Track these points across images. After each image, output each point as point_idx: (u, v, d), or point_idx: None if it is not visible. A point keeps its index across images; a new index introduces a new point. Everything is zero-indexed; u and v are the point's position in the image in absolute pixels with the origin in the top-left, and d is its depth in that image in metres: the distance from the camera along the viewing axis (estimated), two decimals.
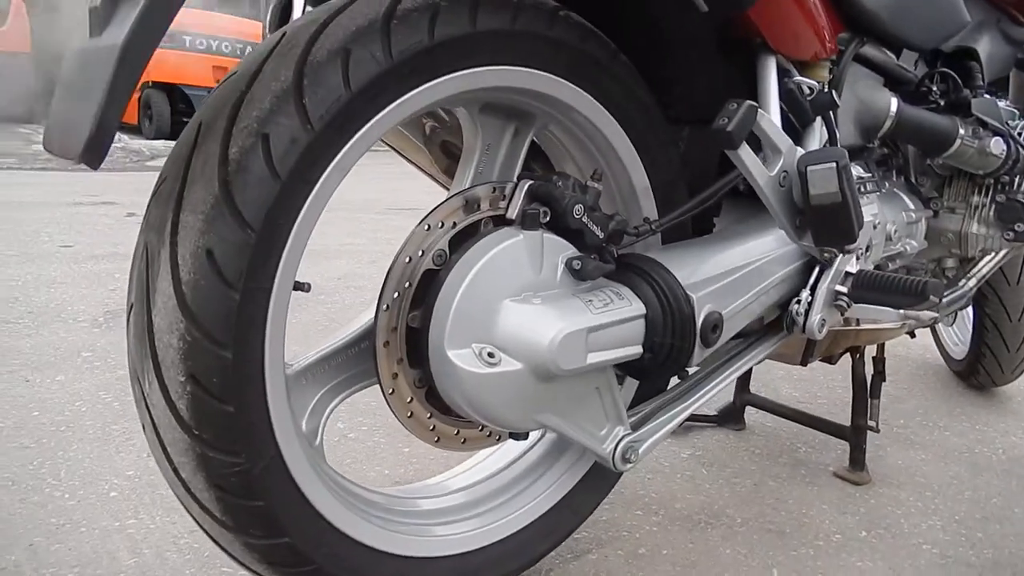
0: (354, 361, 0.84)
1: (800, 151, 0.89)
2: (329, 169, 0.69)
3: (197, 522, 0.73)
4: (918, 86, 1.24)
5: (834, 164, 0.82)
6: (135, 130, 8.30)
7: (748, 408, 1.65)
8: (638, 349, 0.86)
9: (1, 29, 7.69)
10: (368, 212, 4.15)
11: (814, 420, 1.52)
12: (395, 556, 0.82)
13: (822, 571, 1.15)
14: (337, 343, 0.83)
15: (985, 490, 1.45)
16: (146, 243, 0.67)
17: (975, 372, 1.94)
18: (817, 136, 1.02)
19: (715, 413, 1.65)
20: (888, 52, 1.19)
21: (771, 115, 0.91)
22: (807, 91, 0.99)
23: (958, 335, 2.06)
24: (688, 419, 1.59)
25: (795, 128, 1.02)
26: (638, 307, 0.85)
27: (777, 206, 0.89)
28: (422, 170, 1.17)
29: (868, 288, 1.04)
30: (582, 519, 1.04)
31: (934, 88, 1.23)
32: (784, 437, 1.61)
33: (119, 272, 2.53)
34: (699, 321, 0.88)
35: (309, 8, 0.95)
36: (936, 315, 1.23)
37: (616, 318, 0.83)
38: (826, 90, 1.04)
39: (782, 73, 0.99)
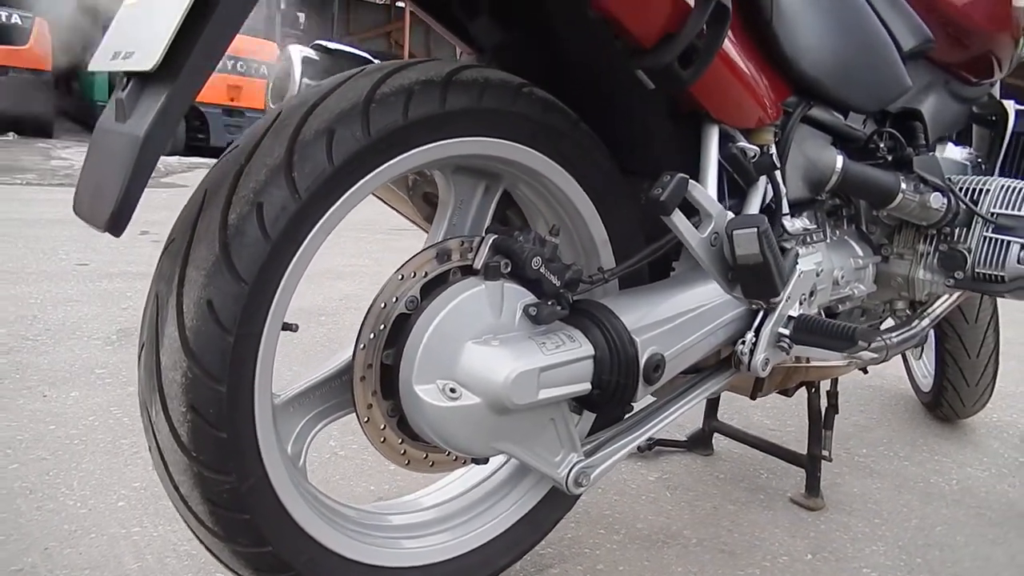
0: (334, 392, 0.96)
1: (730, 215, 1.00)
2: (314, 231, 0.81)
3: (193, 532, 0.84)
4: (866, 143, 1.35)
5: (755, 229, 0.94)
6: None
7: (717, 435, 1.75)
8: (587, 386, 0.97)
9: (23, 47, 7.92)
10: (372, 232, 4.28)
11: (774, 448, 1.62)
12: (365, 565, 0.93)
13: None
14: (319, 377, 0.95)
15: (932, 518, 1.54)
16: (156, 293, 0.79)
17: (939, 405, 2.03)
18: (761, 194, 1.14)
19: (685, 439, 1.76)
20: (836, 113, 1.30)
21: (708, 180, 1.03)
22: (750, 154, 1.11)
23: (927, 367, 2.16)
24: (658, 444, 1.72)
25: (741, 187, 1.14)
26: (587, 349, 0.96)
27: (709, 264, 1.00)
28: (407, 218, 1.29)
29: (807, 332, 1.15)
30: (543, 535, 1.15)
31: (881, 145, 1.34)
32: (748, 463, 1.71)
33: (131, 291, 2.66)
34: (642, 362, 0.99)
35: (306, 80, 1.08)
36: (876, 355, 1.34)
37: (566, 358, 0.94)
38: (770, 152, 1.16)
39: (727, 138, 1.10)
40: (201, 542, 0.85)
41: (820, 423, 1.52)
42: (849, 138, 1.33)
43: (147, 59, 0.68)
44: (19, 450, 1.48)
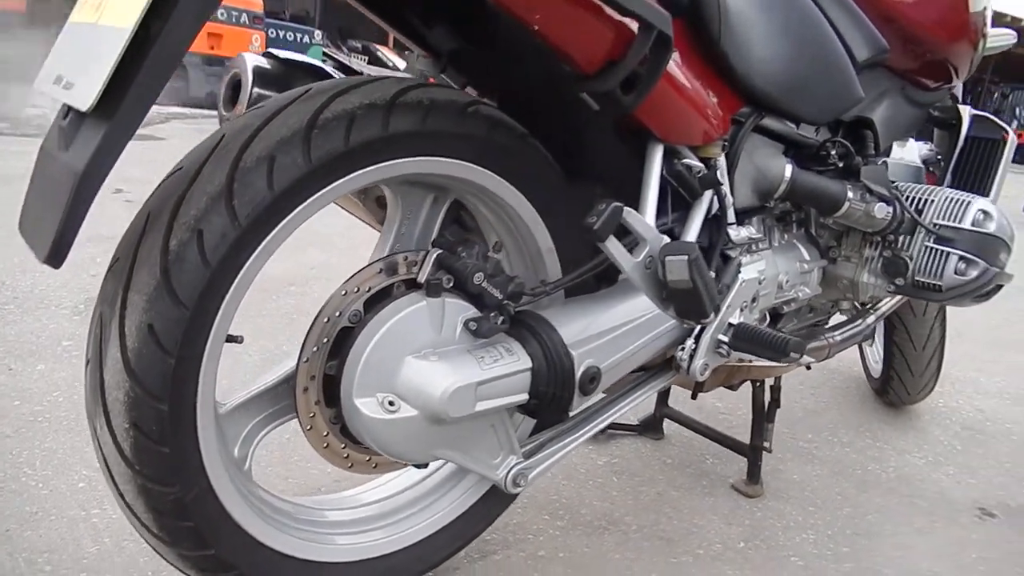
0: (278, 398, 1.00)
1: (664, 239, 1.03)
2: (254, 256, 0.83)
3: (140, 535, 0.88)
4: (818, 151, 1.38)
5: (686, 257, 0.97)
6: None
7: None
8: (524, 397, 1.01)
9: None
10: None
11: (719, 436, 1.69)
12: (299, 560, 0.98)
13: None
14: (263, 386, 0.98)
15: (865, 506, 1.62)
16: (100, 313, 0.82)
17: (886, 392, 2.11)
18: (704, 208, 1.17)
19: (637, 422, 1.82)
20: (788, 123, 1.33)
21: (648, 200, 1.05)
22: (695, 171, 1.14)
23: (879, 352, 2.22)
24: (611, 428, 1.78)
25: (686, 201, 1.17)
26: (525, 362, 1.00)
27: (644, 286, 1.03)
28: (361, 219, 1.31)
29: (744, 340, 1.20)
30: (482, 530, 1.20)
31: (832, 153, 1.37)
32: (696, 448, 1.78)
33: (100, 257, 2.66)
34: (578, 375, 1.03)
35: (257, 90, 1.09)
36: (814, 358, 1.40)
37: (504, 372, 0.98)
38: (717, 165, 1.19)
39: (673, 155, 1.13)
40: (149, 545, 0.89)
41: (763, 415, 1.58)
42: (800, 146, 1.36)
43: (85, 98, 0.69)
44: None
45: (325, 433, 0.98)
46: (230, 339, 0.89)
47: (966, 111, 1.64)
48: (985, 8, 1.52)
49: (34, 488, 1.34)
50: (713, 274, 1.16)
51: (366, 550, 1.05)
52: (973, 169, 1.64)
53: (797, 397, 2.15)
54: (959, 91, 1.72)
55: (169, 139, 5.91)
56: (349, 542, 1.06)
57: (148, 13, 0.67)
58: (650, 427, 1.81)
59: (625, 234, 1.01)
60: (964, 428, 2.11)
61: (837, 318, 1.64)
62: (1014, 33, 1.83)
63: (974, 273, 1.36)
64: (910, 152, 1.67)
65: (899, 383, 2.03)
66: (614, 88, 0.95)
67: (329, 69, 1.20)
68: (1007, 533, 1.59)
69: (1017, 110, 16.48)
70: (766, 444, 1.59)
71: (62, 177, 0.72)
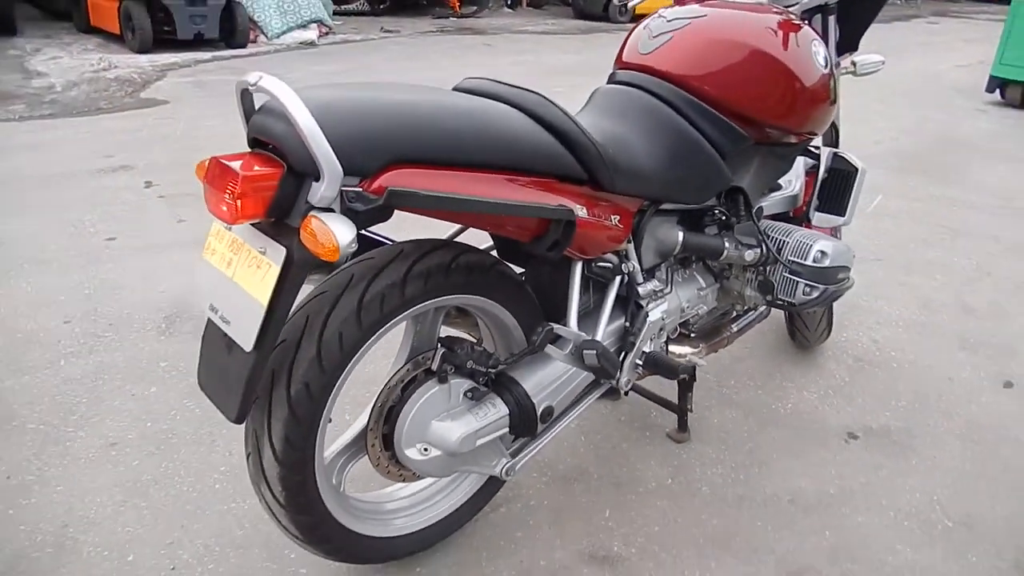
0: (355, 448, 1.62)
1: (583, 337, 1.60)
2: (334, 391, 1.42)
3: (285, 535, 1.52)
4: (703, 216, 1.92)
5: (595, 351, 1.55)
6: (118, 39, 8.52)
7: None
8: (506, 430, 1.63)
9: None
10: None
11: (659, 398, 2.31)
12: (372, 537, 1.63)
13: (636, 510, 1.98)
14: (346, 442, 1.61)
15: (763, 440, 2.27)
16: (254, 428, 1.41)
17: (794, 337, 2.72)
18: (616, 286, 1.74)
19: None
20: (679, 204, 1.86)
21: (572, 304, 1.62)
22: (607, 266, 1.70)
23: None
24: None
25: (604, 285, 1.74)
26: (503, 410, 1.61)
27: (572, 364, 1.62)
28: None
29: (649, 364, 1.80)
30: (485, 503, 1.85)
31: (714, 217, 1.91)
32: (643, 407, 2.40)
33: (161, 269, 3.22)
34: (539, 412, 1.64)
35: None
36: (714, 351, 2.01)
37: (492, 419, 1.59)
38: (625, 254, 1.74)
39: (591, 260, 1.68)
40: (289, 539, 1.54)
41: (685, 387, 2.20)
42: (691, 216, 1.90)
43: (245, 341, 1.25)
44: (133, 447, 2.15)
45: (386, 466, 1.60)
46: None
47: (825, 152, 2.15)
48: (825, 65, 1.93)
49: (188, 494, 1.98)
50: (627, 323, 1.76)
51: (410, 527, 1.70)
52: (835, 195, 2.17)
53: (730, 347, 2.76)
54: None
55: (172, 103, 6.26)
56: (400, 523, 1.71)
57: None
58: (610, 392, 2.43)
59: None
60: (856, 360, 2.73)
61: (737, 310, 2.22)
62: (882, 58, 2.28)
63: (815, 294, 1.94)
64: (787, 184, 2.21)
65: (800, 335, 2.64)
66: (542, 251, 1.50)
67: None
68: (861, 453, 2.24)
69: None
70: (689, 407, 2.21)
71: (234, 375, 1.30)
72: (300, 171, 1.21)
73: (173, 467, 2.08)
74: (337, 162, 1.17)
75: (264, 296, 1.24)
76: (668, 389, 2.26)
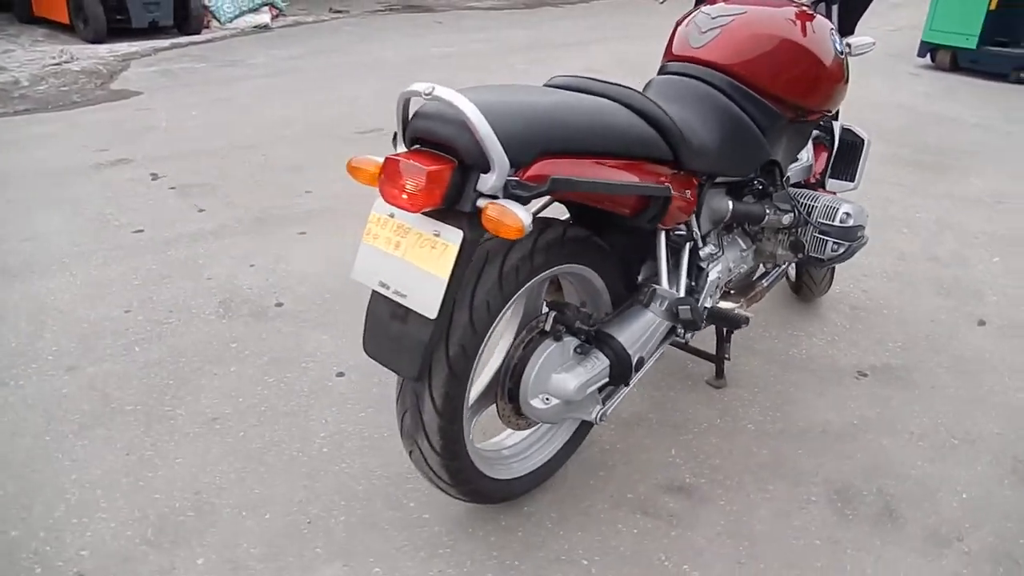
0: (485, 400, 1.86)
1: (677, 295, 1.88)
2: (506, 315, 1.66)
3: (433, 484, 1.77)
4: (747, 187, 2.22)
5: (689, 306, 1.83)
6: (67, 28, 8.28)
7: None
8: (607, 379, 1.90)
9: None
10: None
11: (697, 351, 2.62)
12: (495, 479, 1.88)
13: (695, 447, 2.28)
14: (475, 396, 1.84)
15: (787, 382, 2.60)
16: (415, 390, 1.64)
17: (800, 290, 3.07)
18: (687, 251, 2.02)
19: None
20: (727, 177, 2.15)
21: (662, 270, 1.90)
22: (678, 236, 1.98)
23: (793, 268, 3.16)
24: None
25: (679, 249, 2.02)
26: (605, 362, 1.88)
27: (666, 319, 1.91)
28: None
29: (713, 316, 2.10)
30: (578, 445, 2.13)
31: (755, 188, 2.21)
32: (683, 359, 2.70)
33: (200, 259, 3.35)
34: (633, 362, 1.91)
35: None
36: (756, 302, 2.32)
37: (598, 370, 1.86)
38: (691, 224, 2.02)
39: (671, 230, 1.96)
40: (437, 487, 1.78)
41: (723, 337, 2.51)
42: (736, 187, 2.20)
43: (429, 310, 1.48)
44: (234, 421, 2.33)
45: (508, 416, 1.86)
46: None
47: (837, 126, 2.48)
48: (839, 49, 2.27)
49: (298, 456, 2.19)
50: (693, 282, 2.06)
51: (524, 470, 1.96)
52: (845, 163, 2.50)
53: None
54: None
55: (146, 93, 6.22)
56: (517, 466, 1.97)
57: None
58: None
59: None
60: (852, 308, 3.10)
61: (762, 269, 2.54)
62: (873, 40, 2.61)
63: (842, 250, 2.27)
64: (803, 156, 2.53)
65: (806, 288, 2.99)
66: (643, 223, 1.77)
67: None
68: (872, 387, 2.60)
69: None
70: (726, 356, 2.52)
71: (413, 340, 1.52)
72: (470, 164, 1.44)
73: (278, 436, 2.28)
74: (505, 156, 1.41)
75: (444, 272, 1.47)
76: (701, 342, 2.57)
